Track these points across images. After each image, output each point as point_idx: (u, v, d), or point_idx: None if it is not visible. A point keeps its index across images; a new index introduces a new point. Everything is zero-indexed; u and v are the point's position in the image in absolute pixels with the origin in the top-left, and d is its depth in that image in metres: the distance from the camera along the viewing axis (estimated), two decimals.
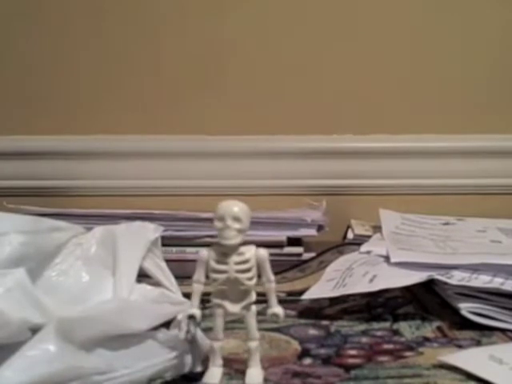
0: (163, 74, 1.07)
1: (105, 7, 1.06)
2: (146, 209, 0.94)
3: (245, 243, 0.48)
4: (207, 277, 0.48)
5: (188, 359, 0.49)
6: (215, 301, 0.49)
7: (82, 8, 1.07)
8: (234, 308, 0.48)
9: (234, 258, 0.48)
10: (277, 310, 0.49)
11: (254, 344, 0.49)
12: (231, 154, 1.07)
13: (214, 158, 1.07)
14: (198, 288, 0.48)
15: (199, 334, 0.49)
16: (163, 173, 1.07)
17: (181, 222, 0.92)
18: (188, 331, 0.47)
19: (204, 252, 0.48)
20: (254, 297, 0.49)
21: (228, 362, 0.51)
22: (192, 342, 0.48)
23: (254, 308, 0.49)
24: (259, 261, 0.48)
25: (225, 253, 0.48)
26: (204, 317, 0.49)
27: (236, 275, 0.47)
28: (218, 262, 0.48)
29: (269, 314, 0.49)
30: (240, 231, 0.47)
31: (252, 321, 0.49)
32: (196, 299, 0.48)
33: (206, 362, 0.49)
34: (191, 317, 0.48)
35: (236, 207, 0.47)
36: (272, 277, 0.49)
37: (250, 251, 0.48)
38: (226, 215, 0.47)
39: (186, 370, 0.49)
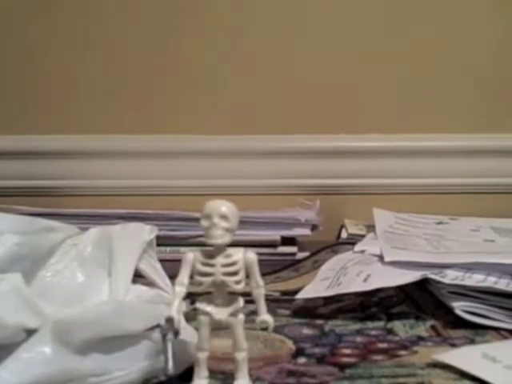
0: (160, 75, 1.07)
1: (106, 7, 1.06)
2: (139, 208, 0.94)
3: (236, 244, 0.46)
4: (191, 278, 0.46)
5: (180, 361, 0.48)
6: (200, 307, 0.46)
7: (83, 7, 1.06)
8: (220, 314, 0.46)
9: (221, 260, 0.45)
10: (266, 317, 0.46)
11: (241, 355, 0.46)
12: (225, 153, 1.07)
13: (208, 157, 1.07)
14: (180, 291, 0.45)
15: (181, 338, 0.47)
16: (157, 172, 1.07)
17: (175, 221, 0.92)
18: (165, 334, 0.45)
19: (189, 253, 0.46)
20: (241, 303, 0.46)
21: (222, 362, 0.51)
22: (166, 344, 0.46)
23: (241, 316, 0.46)
24: (247, 264, 0.46)
25: (211, 255, 0.45)
26: None
27: (223, 278, 0.45)
28: (204, 264, 0.45)
29: (258, 321, 0.46)
30: (227, 230, 0.45)
31: (239, 329, 0.46)
32: (177, 302, 0.45)
33: (190, 369, 0.47)
34: (169, 320, 0.45)
35: (224, 206, 0.45)
36: (261, 282, 0.46)
37: (237, 254, 0.46)
38: (212, 213, 0.45)
39: (179, 371, 0.48)
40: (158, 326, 0.47)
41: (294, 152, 1.07)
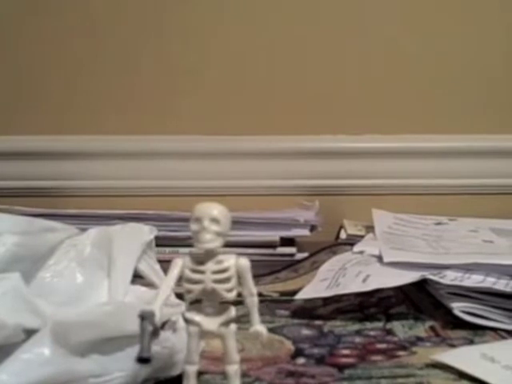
0: (160, 76, 1.07)
1: (100, 8, 1.06)
2: (139, 209, 0.94)
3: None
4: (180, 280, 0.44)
5: (179, 361, 0.48)
6: (189, 316, 0.43)
7: (77, 8, 1.06)
8: (210, 325, 0.43)
9: (212, 267, 0.43)
10: (259, 328, 0.43)
11: (233, 368, 0.44)
12: (224, 154, 1.07)
13: (207, 158, 1.07)
14: (165, 291, 0.43)
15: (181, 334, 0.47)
16: (157, 173, 1.07)
17: (174, 222, 0.92)
18: (144, 328, 0.42)
19: (178, 259, 0.43)
20: (233, 312, 0.44)
21: (221, 363, 0.51)
22: (143, 335, 0.42)
23: (233, 326, 0.44)
24: (240, 271, 0.43)
25: (201, 260, 0.43)
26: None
27: (213, 285, 0.43)
28: (194, 270, 0.43)
29: (251, 332, 0.43)
30: (219, 234, 0.42)
31: (231, 341, 0.43)
32: (160, 300, 0.43)
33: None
34: (150, 314, 0.42)
35: (215, 209, 0.43)
36: (254, 290, 0.43)
37: (229, 260, 0.43)
38: (203, 216, 0.42)
39: (178, 371, 0.48)
40: (162, 325, 0.46)
41: (293, 153, 1.07)
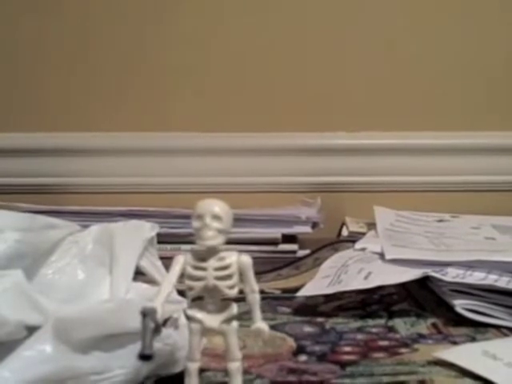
0: (160, 73, 1.07)
1: (100, 7, 1.06)
2: (140, 206, 0.94)
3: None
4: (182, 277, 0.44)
5: (181, 358, 0.48)
6: (191, 314, 0.44)
7: (76, 7, 1.06)
8: (212, 322, 0.43)
9: (213, 264, 0.43)
10: (261, 325, 0.43)
11: (234, 365, 0.44)
12: (226, 151, 1.07)
13: (208, 155, 1.07)
14: (167, 287, 0.43)
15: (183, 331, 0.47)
16: (158, 170, 1.07)
17: (175, 219, 0.92)
18: (145, 325, 0.42)
19: (180, 256, 0.43)
20: (235, 309, 0.44)
21: (223, 360, 0.51)
22: (146, 328, 0.42)
23: (235, 323, 0.44)
24: (242, 268, 0.43)
25: (203, 257, 0.43)
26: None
27: (215, 282, 0.43)
28: (195, 267, 0.43)
29: (252, 329, 0.43)
30: (220, 232, 0.42)
31: (233, 339, 0.43)
32: (162, 296, 0.43)
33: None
34: (152, 311, 0.42)
35: (216, 206, 0.43)
36: (256, 287, 0.43)
37: (231, 257, 0.43)
38: (204, 213, 0.42)
39: (180, 368, 0.48)
40: (164, 322, 0.46)
41: (295, 150, 1.07)
